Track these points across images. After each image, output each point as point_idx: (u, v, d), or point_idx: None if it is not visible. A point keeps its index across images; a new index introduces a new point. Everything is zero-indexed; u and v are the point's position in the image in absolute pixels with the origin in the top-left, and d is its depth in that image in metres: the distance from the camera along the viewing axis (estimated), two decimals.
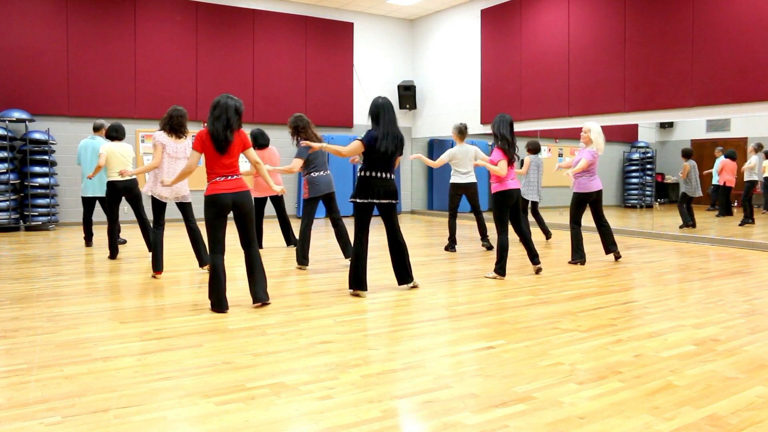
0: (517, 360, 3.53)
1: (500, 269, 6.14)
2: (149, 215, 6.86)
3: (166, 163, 5.95)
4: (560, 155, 14.27)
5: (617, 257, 7.28)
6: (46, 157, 10.33)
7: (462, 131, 8.05)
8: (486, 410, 2.79)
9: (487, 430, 2.59)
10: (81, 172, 8.46)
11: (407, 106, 14.46)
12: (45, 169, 10.32)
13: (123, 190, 7.36)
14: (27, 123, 10.48)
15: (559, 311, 4.75)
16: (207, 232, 4.75)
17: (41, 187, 10.31)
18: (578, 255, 7.03)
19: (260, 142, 8.13)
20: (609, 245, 7.24)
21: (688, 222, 10.47)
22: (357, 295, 5.26)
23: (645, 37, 9.85)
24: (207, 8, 12.17)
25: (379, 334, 4.12)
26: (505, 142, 6.18)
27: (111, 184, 7.36)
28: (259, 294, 4.83)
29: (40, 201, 10.37)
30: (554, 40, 11.33)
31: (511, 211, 6.32)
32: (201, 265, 6.39)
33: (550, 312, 4.72)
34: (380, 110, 5.28)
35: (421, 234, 10.32)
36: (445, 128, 13.92)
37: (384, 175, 5.32)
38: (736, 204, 11.79)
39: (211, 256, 4.73)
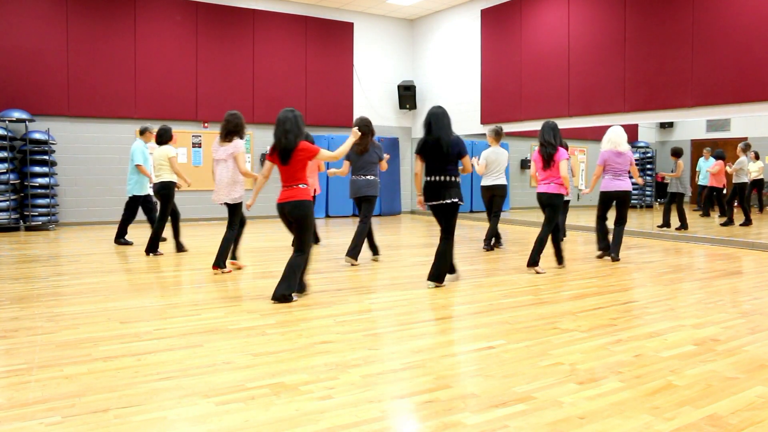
0: (517, 360, 3.53)
1: (558, 259, 6.73)
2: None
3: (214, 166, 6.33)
4: None
5: (614, 260, 7.26)
6: (46, 157, 10.33)
7: (498, 133, 8.12)
8: (486, 410, 2.79)
9: (487, 430, 2.59)
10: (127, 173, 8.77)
11: (407, 106, 14.46)
12: (45, 169, 10.32)
13: (158, 190, 7.65)
14: (27, 123, 10.48)
15: (559, 311, 4.75)
16: None
17: (41, 187, 10.31)
18: (600, 246, 7.42)
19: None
20: (612, 246, 7.28)
21: (668, 223, 10.44)
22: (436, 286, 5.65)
23: (645, 37, 9.85)
24: (207, 8, 12.17)
25: (379, 334, 4.12)
26: (539, 146, 6.58)
27: (153, 185, 7.83)
28: (276, 291, 4.97)
29: (40, 201, 10.37)
30: (554, 40, 11.33)
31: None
32: (213, 265, 6.34)
33: (550, 312, 4.72)
34: (427, 119, 5.63)
35: (421, 234, 10.33)
36: None
37: (432, 178, 5.58)
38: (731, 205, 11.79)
39: None
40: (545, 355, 3.61)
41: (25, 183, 10.27)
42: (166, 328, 4.22)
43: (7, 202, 10.01)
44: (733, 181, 11.15)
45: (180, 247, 7.88)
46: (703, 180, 11.80)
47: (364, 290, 5.59)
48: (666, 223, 10.49)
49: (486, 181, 8.10)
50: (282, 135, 4.93)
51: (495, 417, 2.72)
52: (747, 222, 10.98)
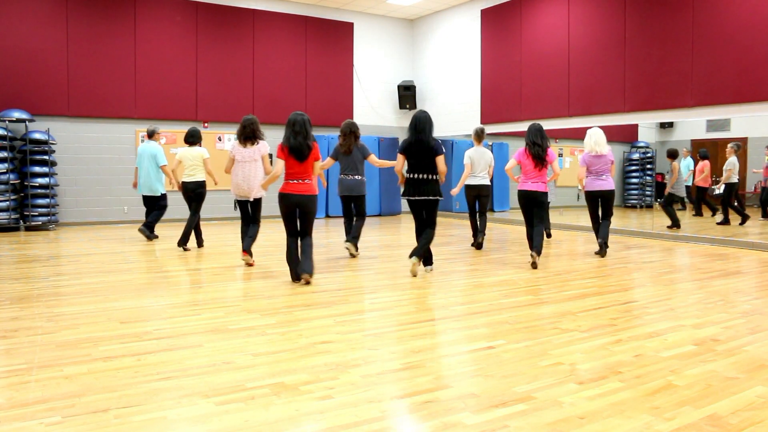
0: (517, 360, 3.53)
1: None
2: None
3: (235, 167, 6.69)
4: (560, 155, 14.27)
5: (603, 247, 7.59)
6: (46, 157, 10.33)
7: (479, 134, 8.20)
8: (486, 410, 2.79)
9: (487, 430, 2.59)
10: (137, 174, 8.95)
11: (407, 106, 14.46)
12: (45, 169, 10.32)
13: (191, 190, 8.01)
14: (27, 123, 10.48)
15: (559, 311, 4.75)
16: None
17: (41, 187, 10.31)
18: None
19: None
20: (601, 236, 7.64)
21: (678, 222, 10.47)
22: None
23: (645, 37, 9.85)
24: (207, 8, 12.17)
25: (379, 334, 4.12)
26: (527, 146, 6.89)
27: (183, 184, 8.07)
28: (304, 269, 5.69)
29: (40, 201, 10.37)
30: (554, 40, 11.33)
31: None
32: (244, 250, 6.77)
33: (550, 312, 4.72)
34: (411, 121, 6.19)
35: None
36: (445, 128, 13.93)
37: (418, 176, 6.12)
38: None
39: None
40: (545, 355, 3.61)
41: (25, 183, 10.27)
42: (166, 328, 4.22)
43: (7, 202, 10.01)
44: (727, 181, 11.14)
45: (184, 241, 8.00)
46: (688, 180, 11.84)
47: (364, 290, 5.59)
48: (677, 224, 10.56)
49: (469, 181, 8.12)
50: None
51: (495, 417, 2.72)
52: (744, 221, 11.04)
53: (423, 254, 6.23)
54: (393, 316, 4.66)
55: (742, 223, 10.97)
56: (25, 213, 10.35)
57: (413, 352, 3.68)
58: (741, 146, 11.21)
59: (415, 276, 6.13)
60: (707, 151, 11.71)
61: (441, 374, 3.29)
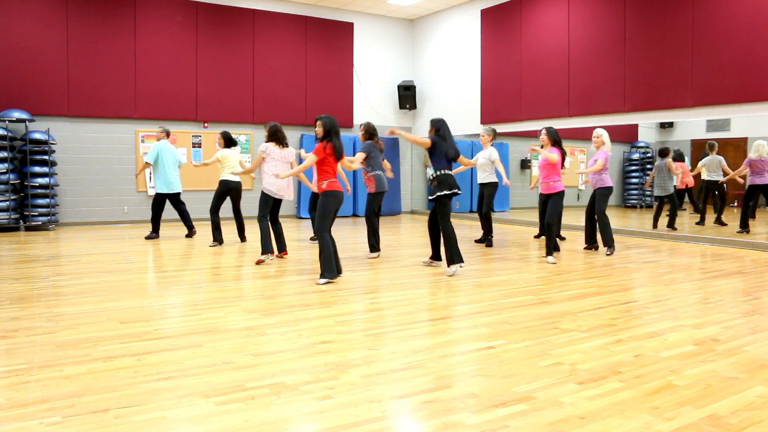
0: (517, 360, 3.53)
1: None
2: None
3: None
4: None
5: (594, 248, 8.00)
6: (46, 157, 10.33)
7: (493, 135, 8.92)
8: (486, 410, 2.80)
9: (487, 430, 2.59)
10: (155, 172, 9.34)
11: (407, 106, 14.46)
12: (45, 169, 10.31)
13: (235, 189, 8.63)
14: (27, 123, 10.48)
15: (559, 311, 4.75)
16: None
17: (41, 187, 10.30)
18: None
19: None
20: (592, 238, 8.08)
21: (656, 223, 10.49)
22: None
23: (645, 37, 9.85)
24: (207, 8, 12.17)
25: (379, 334, 4.12)
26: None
27: (227, 182, 8.56)
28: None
29: (40, 201, 10.37)
30: (554, 40, 11.33)
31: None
32: (279, 251, 7.41)
33: (550, 312, 4.72)
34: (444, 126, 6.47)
35: (421, 234, 10.32)
36: None
37: (447, 171, 6.46)
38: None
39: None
40: (545, 355, 3.61)
41: (25, 183, 10.26)
42: (166, 328, 4.22)
43: (7, 202, 10.01)
44: (705, 179, 11.18)
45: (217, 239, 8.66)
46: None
47: (364, 290, 5.60)
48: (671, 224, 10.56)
49: (494, 178, 8.73)
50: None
51: (495, 417, 2.72)
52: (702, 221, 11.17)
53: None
54: (393, 316, 4.66)
55: (700, 222, 10.98)
56: (25, 213, 10.35)
57: (413, 352, 3.68)
58: (714, 146, 11.22)
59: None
60: (682, 153, 11.82)
61: (441, 374, 3.29)
